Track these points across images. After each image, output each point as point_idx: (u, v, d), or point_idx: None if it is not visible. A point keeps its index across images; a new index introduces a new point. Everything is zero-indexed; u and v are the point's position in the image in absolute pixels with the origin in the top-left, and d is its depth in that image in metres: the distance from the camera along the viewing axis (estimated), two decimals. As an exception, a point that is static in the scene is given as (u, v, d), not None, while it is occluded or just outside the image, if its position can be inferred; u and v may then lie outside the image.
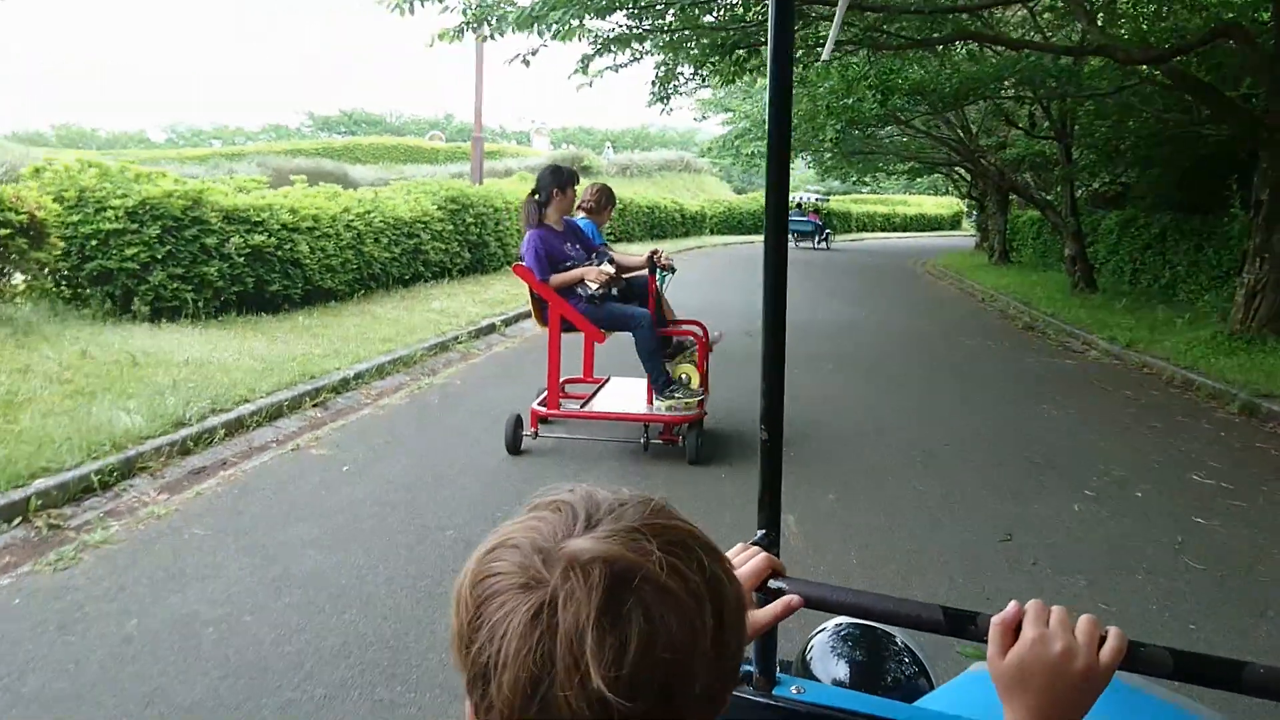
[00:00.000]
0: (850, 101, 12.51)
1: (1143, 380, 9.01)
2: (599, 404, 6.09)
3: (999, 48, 13.12)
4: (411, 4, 9.17)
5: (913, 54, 12.28)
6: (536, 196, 5.72)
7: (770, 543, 1.17)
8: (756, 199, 39.78)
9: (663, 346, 5.82)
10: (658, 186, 45.21)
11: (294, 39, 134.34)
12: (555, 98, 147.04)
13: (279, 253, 9.63)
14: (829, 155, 27.05)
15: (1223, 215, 13.95)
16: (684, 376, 5.90)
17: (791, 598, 0.95)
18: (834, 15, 8.92)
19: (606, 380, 6.59)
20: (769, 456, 1.27)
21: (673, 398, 5.66)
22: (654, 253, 5.88)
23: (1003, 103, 15.61)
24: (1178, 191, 15.82)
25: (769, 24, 1.22)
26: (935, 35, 10.49)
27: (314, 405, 6.76)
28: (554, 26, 8.85)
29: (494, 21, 9.14)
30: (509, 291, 13.12)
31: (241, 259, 9.10)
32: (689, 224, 32.22)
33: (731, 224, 36.86)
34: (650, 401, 5.77)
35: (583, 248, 5.84)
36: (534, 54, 10.13)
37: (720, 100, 21.07)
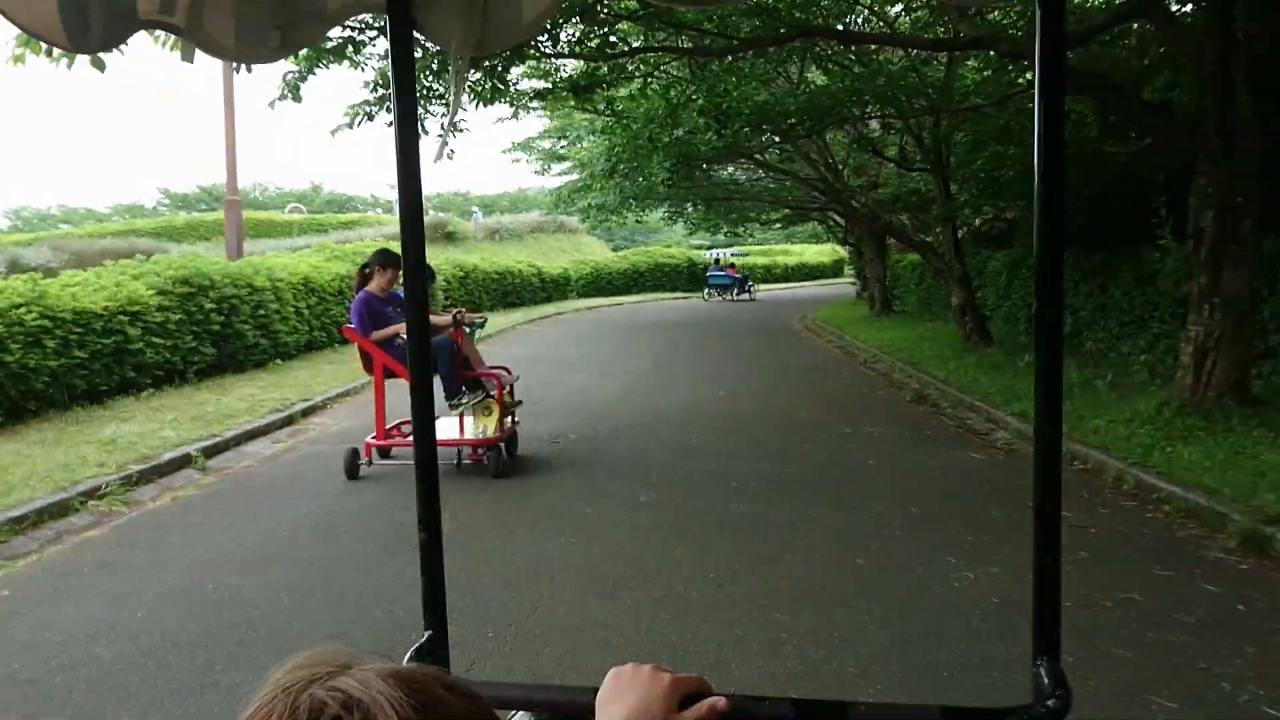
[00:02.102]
0: (680, 133, 9.94)
1: (1080, 485, 6.44)
2: None
3: (858, 64, 10.81)
4: (297, 92, 8.84)
5: (749, 68, 9.77)
6: (365, 270, 7.26)
7: (435, 644, 1.29)
8: (627, 257, 37.43)
9: (458, 375, 7.02)
10: (529, 250, 42.76)
11: (155, 114, 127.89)
12: (432, 166, 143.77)
13: None
14: (692, 208, 24.79)
15: (1129, 250, 11.83)
16: (483, 429, 7.08)
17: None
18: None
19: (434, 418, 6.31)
20: (428, 554, 1.34)
21: (460, 405, 7.00)
22: (457, 312, 7.38)
23: (868, 131, 13.31)
24: (1073, 225, 13.78)
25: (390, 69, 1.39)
26: (768, 34, 7.94)
27: None
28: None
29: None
30: (256, 397, 10.01)
31: None
32: (550, 288, 29.47)
33: (600, 285, 34.29)
34: (462, 431, 7.08)
35: (400, 310, 6.99)
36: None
37: (555, 151, 18.52)
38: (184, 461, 7.57)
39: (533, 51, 8.55)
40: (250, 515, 6.12)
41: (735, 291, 33.81)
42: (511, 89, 9.63)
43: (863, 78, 10.08)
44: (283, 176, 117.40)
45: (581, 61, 8.55)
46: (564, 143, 18.56)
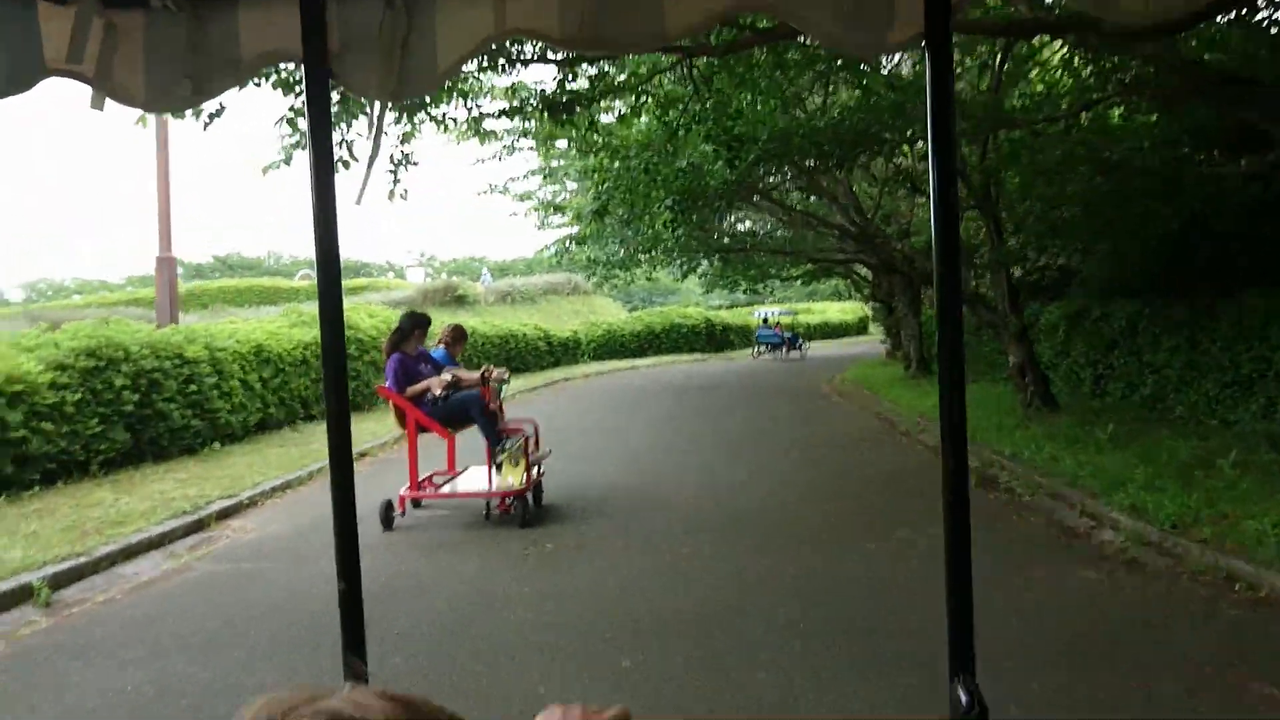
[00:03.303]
0: (683, 164, 8.13)
1: (1264, 631, 4.41)
2: (455, 487, 7.56)
3: (886, 84, 9.00)
4: (290, 158, 8.47)
5: (765, 85, 7.93)
6: (400, 331, 7.62)
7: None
8: (642, 318, 35.64)
9: (493, 420, 7.50)
10: (542, 313, 41.29)
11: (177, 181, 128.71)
12: (447, 230, 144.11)
13: None
14: (709, 261, 23.01)
15: (1226, 295, 9.85)
16: (510, 480, 7.22)
17: None
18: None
19: (463, 470, 7.96)
20: (348, 604, 1.41)
21: (504, 451, 7.23)
22: (485, 369, 7.78)
23: (906, 165, 11.49)
24: (1143, 271, 11.84)
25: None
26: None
27: None
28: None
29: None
30: (167, 495, 8.16)
31: None
32: (559, 352, 27.67)
33: (614, 347, 32.47)
34: (491, 484, 7.31)
35: (432, 370, 7.58)
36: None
37: (553, 201, 16.76)
38: (25, 594, 5.69)
39: (500, 60, 6.86)
40: (45, 697, 4.18)
41: (786, 350, 34.05)
42: (476, 112, 7.94)
43: (905, 89, 8.25)
44: (299, 244, 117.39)
45: (558, 72, 6.90)
46: (561, 190, 16.84)
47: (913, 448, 11.09)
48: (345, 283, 47.65)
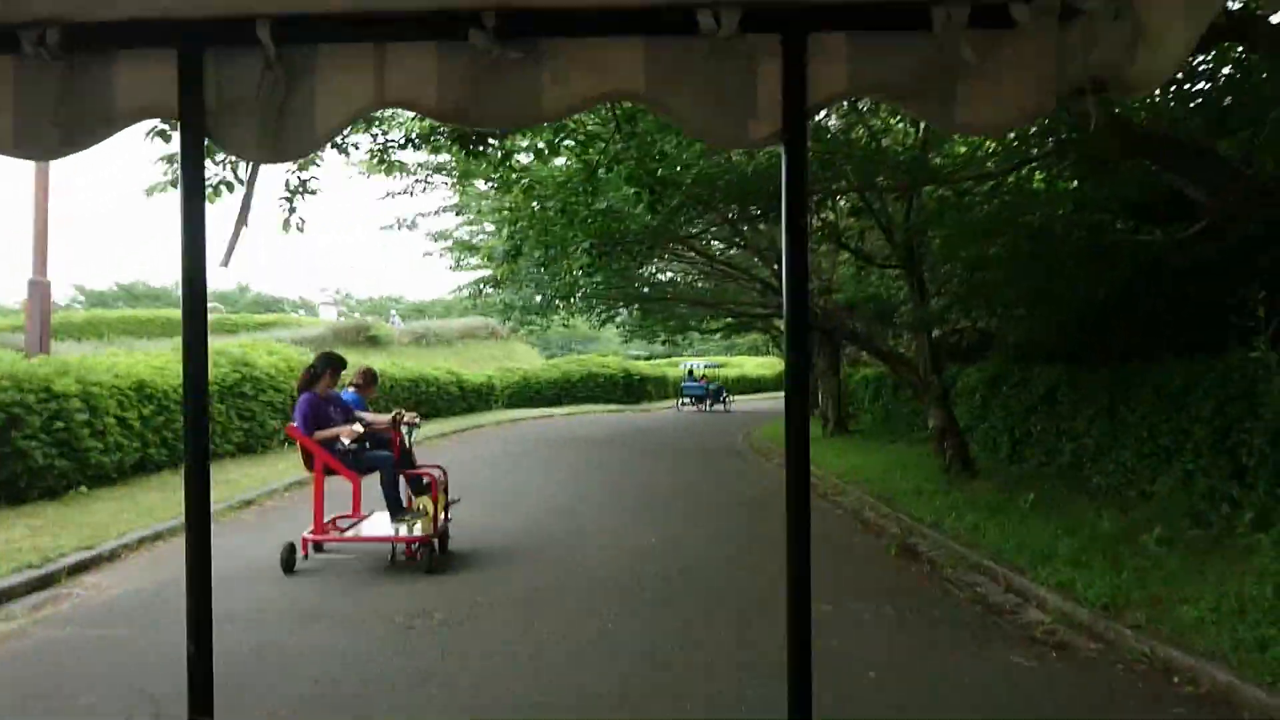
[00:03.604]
0: (603, 206, 7.70)
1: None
2: (359, 531, 7.41)
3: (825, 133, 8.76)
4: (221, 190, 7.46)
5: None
6: (313, 370, 7.52)
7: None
8: (559, 366, 35.09)
9: (415, 483, 7.57)
10: (460, 356, 40.44)
11: (88, 209, 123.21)
12: (367, 267, 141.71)
13: None
14: (627, 311, 22.64)
15: (1139, 366, 9.79)
16: (421, 506, 7.38)
17: None
18: None
19: (369, 514, 7.74)
20: (197, 669, 1.45)
21: (403, 521, 7.24)
22: (397, 413, 7.86)
23: (834, 216, 11.29)
24: (1063, 336, 11.79)
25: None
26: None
27: None
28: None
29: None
30: (14, 545, 7.29)
31: None
32: (473, 398, 26.86)
33: (529, 395, 31.77)
34: (396, 528, 7.19)
35: (342, 412, 7.51)
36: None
37: (469, 242, 16.07)
38: None
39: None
40: None
41: (710, 402, 34.13)
42: (381, 140, 7.40)
43: (832, 145, 8.00)
44: (213, 277, 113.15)
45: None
46: (479, 230, 16.19)
47: (832, 512, 10.71)
48: (254, 318, 46.05)
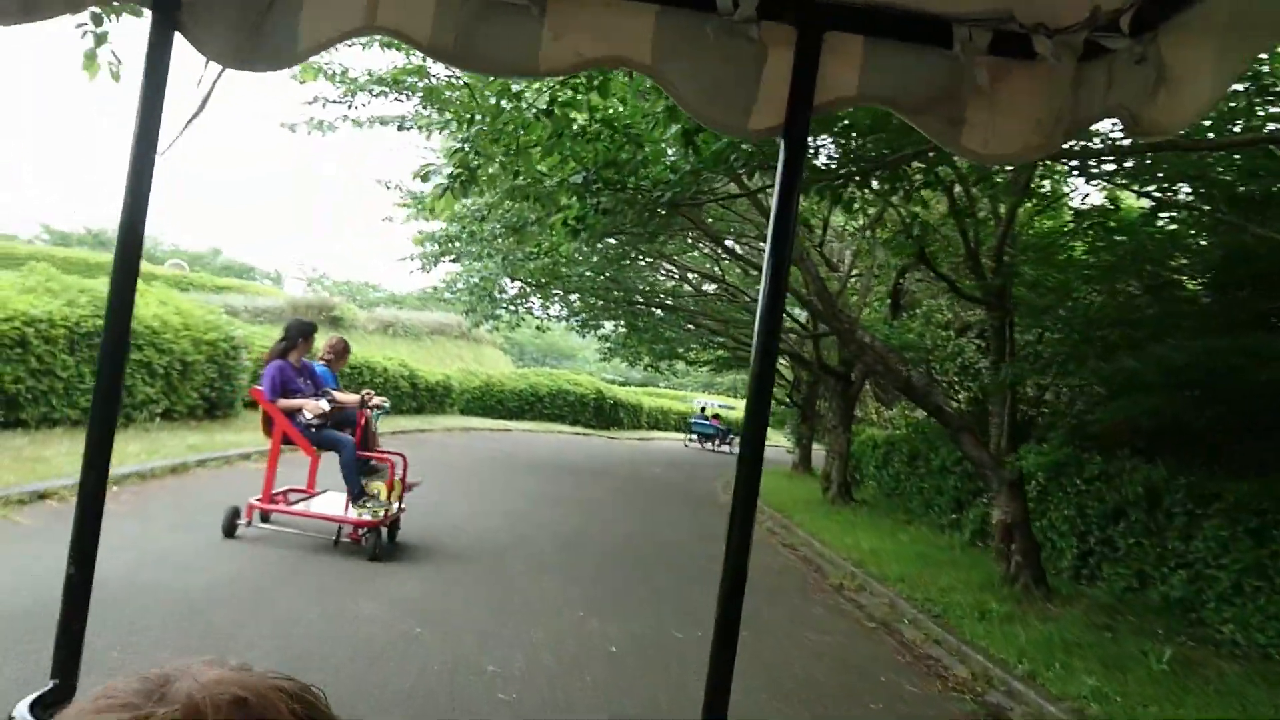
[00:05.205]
0: (613, 114, 4.85)
1: None
2: (308, 506, 7.22)
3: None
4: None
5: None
6: (286, 340, 7.30)
7: (60, 697, 1.29)
8: (527, 376, 32.07)
9: (364, 465, 7.19)
10: (426, 352, 37.67)
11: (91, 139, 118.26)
12: (356, 255, 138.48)
13: None
14: (614, 322, 19.81)
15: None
16: (376, 490, 7.10)
17: None
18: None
19: (321, 491, 7.60)
20: (73, 595, 1.36)
21: (364, 507, 6.90)
22: (365, 393, 7.50)
23: (912, 215, 8.48)
24: (1175, 423, 9.01)
25: None
26: None
27: None
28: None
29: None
30: None
31: None
32: (423, 398, 23.78)
33: (488, 403, 28.73)
34: (346, 510, 6.94)
35: (313, 384, 7.30)
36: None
37: (436, 235, 12.93)
38: None
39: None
40: None
41: (717, 442, 32.68)
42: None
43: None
44: (192, 237, 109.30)
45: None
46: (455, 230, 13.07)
47: (853, 617, 7.80)
48: (213, 279, 43.01)
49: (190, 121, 1.66)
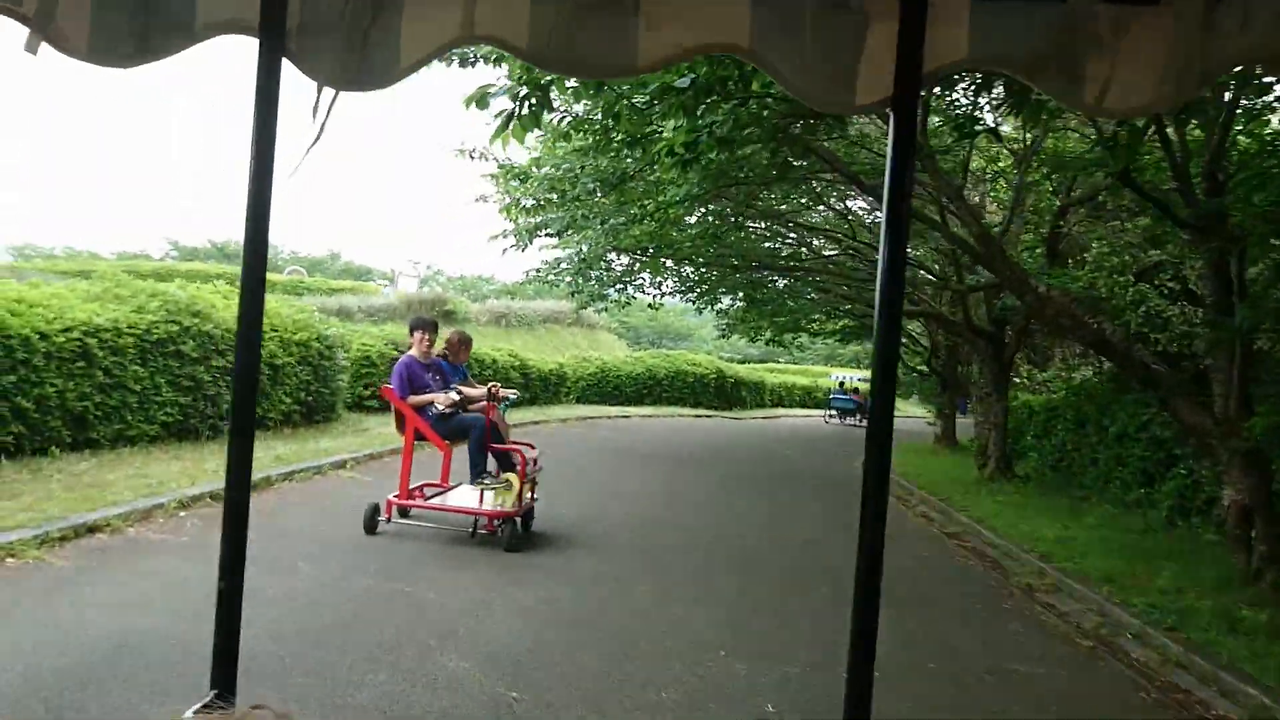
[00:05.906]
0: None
1: None
2: (444, 500, 7.23)
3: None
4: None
5: None
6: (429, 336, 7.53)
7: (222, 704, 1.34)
8: (643, 359, 30.89)
9: (487, 452, 7.18)
10: (540, 341, 37.23)
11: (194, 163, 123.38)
12: (466, 248, 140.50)
13: None
14: (730, 297, 18.46)
15: None
16: (507, 480, 7.10)
17: None
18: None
19: (455, 485, 7.61)
20: (226, 608, 1.43)
21: (482, 483, 7.00)
22: (492, 386, 7.75)
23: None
24: None
25: None
26: None
27: None
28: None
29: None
30: None
31: None
32: (537, 388, 22.91)
33: (606, 390, 27.71)
34: (480, 501, 6.88)
35: (440, 378, 7.49)
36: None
37: (523, 203, 11.70)
38: None
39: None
40: None
41: (859, 417, 31.38)
42: None
43: None
44: (311, 244, 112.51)
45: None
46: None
47: (1058, 631, 6.25)
48: (329, 282, 43.67)
49: (310, 148, 1.68)
